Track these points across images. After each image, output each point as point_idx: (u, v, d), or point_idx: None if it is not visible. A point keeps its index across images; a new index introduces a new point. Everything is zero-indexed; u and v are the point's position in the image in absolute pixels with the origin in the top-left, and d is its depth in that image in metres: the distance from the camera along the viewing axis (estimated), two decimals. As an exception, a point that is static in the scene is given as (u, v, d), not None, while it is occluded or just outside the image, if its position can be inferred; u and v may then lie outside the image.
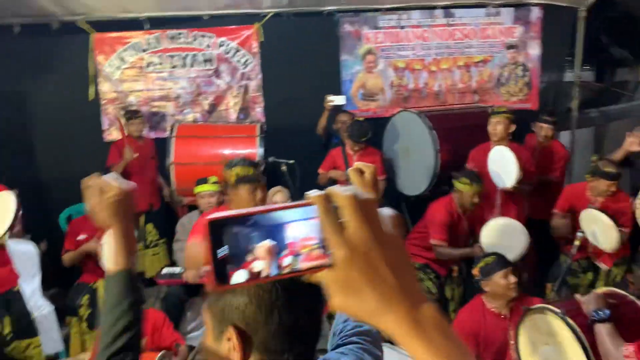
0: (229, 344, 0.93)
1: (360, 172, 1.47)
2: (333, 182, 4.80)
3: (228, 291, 0.93)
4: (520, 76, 5.84)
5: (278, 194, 4.24)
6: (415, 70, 5.72)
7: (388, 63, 5.69)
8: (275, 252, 0.56)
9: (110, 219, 1.18)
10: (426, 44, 5.68)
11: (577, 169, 5.70)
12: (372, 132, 4.72)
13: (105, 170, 4.84)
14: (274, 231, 0.56)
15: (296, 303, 0.93)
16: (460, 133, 4.93)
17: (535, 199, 4.67)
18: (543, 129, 4.81)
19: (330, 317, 2.61)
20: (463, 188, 3.92)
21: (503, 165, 4.11)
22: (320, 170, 4.83)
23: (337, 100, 5.01)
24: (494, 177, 4.18)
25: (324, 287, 0.55)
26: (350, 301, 0.54)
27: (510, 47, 5.78)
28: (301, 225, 0.56)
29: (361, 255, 0.53)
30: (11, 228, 3.40)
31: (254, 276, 0.56)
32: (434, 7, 5.60)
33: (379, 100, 5.74)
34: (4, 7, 4.73)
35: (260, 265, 0.55)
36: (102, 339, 1.17)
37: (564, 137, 5.88)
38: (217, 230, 0.55)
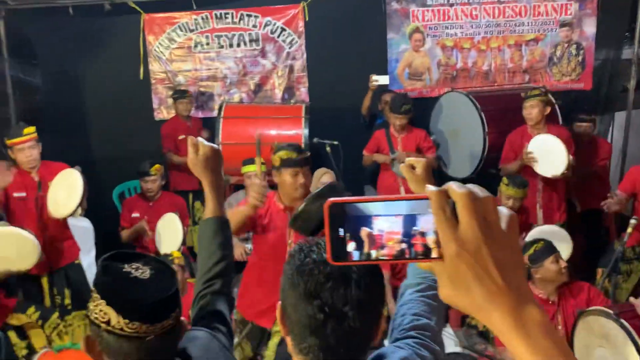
0: (277, 316, 1.01)
1: (412, 167, 1.46)
2: (377, 164, 4.78)
3: (287, 270, 0.99)
4: (573, 55, 5.62)
5: (325, 175, 4.27)
6: (464, 49, 5.59)
7: (436, 42, 5.57)
8: (384, 238, 0.58)
9: (202, 173, 1.46)
10: (475, 22, 5.53)
11: (633, 151, 5.49)
12: (413, 106, 4.59)
13: (162, 155, 5.02)
14: (386, 218, 0.58)
15: (329, 303, 0.93)
16: (510, 114, 4.81)
17: (583, 189, 4.58)
18: (582, 127, 4.67)
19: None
20: (505, 190, 3.83)
21: (549, 154, 3.97)
22: (364, 152, 4.81)
23: (381, 79, 4.94)
24: (538, 167, 4.05)
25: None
26: (458, 294, 0.56)
27: (564, 24, 5.56)
28: (414, 217, 0.58)
29: (470, 253, 0.54)
30: (80, 204, 3.58)
31: (364, 257, 0.59)
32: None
33: (425, 79, 5.65)
34: (59, -10, 4.87)
35: (370, 248, 0.59)
36: (199, 270, 1.46)
37: (619, 117, 5.65)
38: (335, 212, 0.59)
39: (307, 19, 5.42)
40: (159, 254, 3.84)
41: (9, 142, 3.55)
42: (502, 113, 4.78)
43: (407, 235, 0.58)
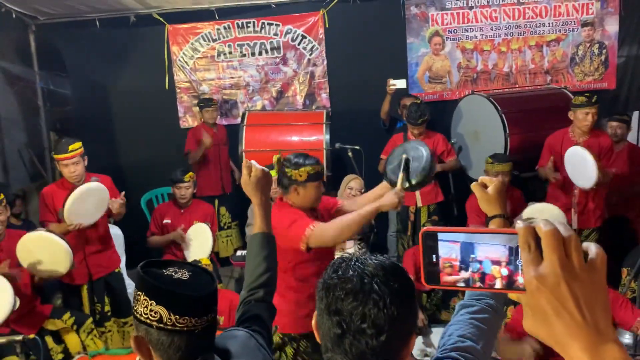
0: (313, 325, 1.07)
1: (484, 186, 1.46)
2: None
3: (318, 286, 1.04)
4: (596, 54, 5.58)
5: (353, 181, 4.32)
6: (484, 52, 5.59)
7: (455, 45, 5.59)
8: (473, 267, 0.64)
9: (253, 193, 1.63)
10: (495, 24, 5.53)
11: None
12: (429, 114, 4.60)
13: (184, 156, 5.14)
14: (474, 248, 0.64)
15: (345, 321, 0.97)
16: (532, 116, 4.82)
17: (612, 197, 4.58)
18: (612, 127, 4.62)
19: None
20: (492, 168, 4.07)
21: (581, 167, 3.93)
22: (382, 156, 4.86)
23: (399, 83, 4.97)
24: (571, 176, 4.04)
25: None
26: (539, 326, 0.59)
27: (585, 24, 5.52)
28: (500, 248, 0.63)
29: (549, 288, 0.57)
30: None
31: (453, 283, 0.65)
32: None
33: (446, 82, 5.67)
34: (87, 4, 5.03)
35: (459, 275, 0.65)
36: (246, 279, 1.61)
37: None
38: (429, 239, 0.67)
39: (327, 25, 5.49)
40: (186, 261, 3.94)
41: (56, 157, 3.69)
42: (524, 114, 4.79)
43: (496, 264, 0.63)
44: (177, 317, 1.20)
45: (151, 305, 1.21)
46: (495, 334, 1.34)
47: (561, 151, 4.12)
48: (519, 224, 0.60)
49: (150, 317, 1.21)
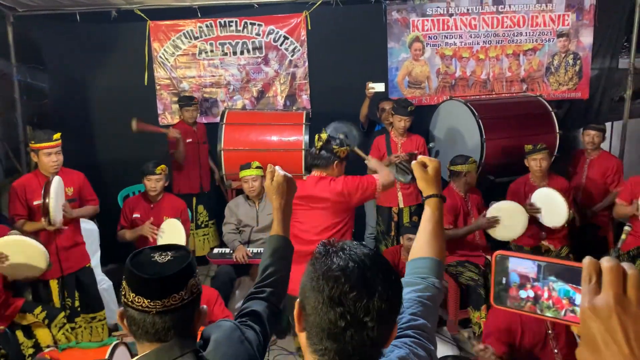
0: (295, 312, 1.04)
1: (424, 166, 1.53)
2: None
3: (312, 271, 1.01)
4: (570, 65, 5.73)
5: None
6: (463, 58, 5.69)
7: (435, 51, 5.68)
8: (539, 295, 0.70)
9: (274, 196, 1.71)
10: (474, 32, 5.64)
11: (630, 159, 5.58)
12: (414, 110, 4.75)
13: (171, 156, 5.11)
14: (544, 276, 0.70)
15: (347, 313, 0.96)
16: (508, 122, 4.92)
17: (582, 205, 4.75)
18: (590, 135, 4.77)
19: None
20: (461, 169, 4.25)
21: (551, 206, 4.14)
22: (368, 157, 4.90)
23: (377, 87, 5.03)
24: (539, 216, 4.20)
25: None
26: (588, 354, 0.63)
27: (561, 34, 5.67)
28: (565, 279, 0.69)
29: (602, 319, 0.61)
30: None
31: (520, 307, 0.71)
32: (484, -5, 5.55)
33: (424, 88, 5.75)
34: (68, -3, 4.98)
35: (526, 299, 0.71)
36: (257, 277, 1.65)
37: (617, 127, 5.75)
38: (501, 262, 0.73)
39: (309, 27, 5.53)
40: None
41: (36, 145, 3.61)
42: (500, 120, 4.89)
43: (561, 294, 0.68)
44: (133, 295, 1.28)
45: (124, 282, 1.31)
46: (437, 311, 1.38)
47: (524, 196, 4.31)
48: (586, 259, 0.64)
49: (123, 293, 1.32)
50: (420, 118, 5.34)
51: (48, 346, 3.32)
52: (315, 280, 0.99)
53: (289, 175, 1.75)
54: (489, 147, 4.72)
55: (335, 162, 3.14)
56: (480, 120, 4.75)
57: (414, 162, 1.56)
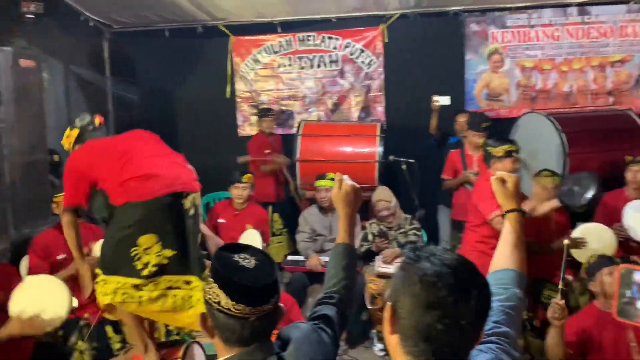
0: (385, 316, 1.08)
1: (503, 181, 1.54)
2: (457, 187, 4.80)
3: (404, 275, 1.05)
4: (663, 77, 5.42)
5: (381, 202, 4.36)
6: (544, 71, 5.52)
7: (515, 63, 5.55)
8: None
9: (340, 205, 1.73)
10: (557, 43, 5.46)
11: None
12: (492, 124, 4.63)
13: (240, 164, 5.30)
14: None
15: (444, 320, 0.99)
16: (593, 136, 4.71)
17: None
18: None
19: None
20: (544, 181, 3.96)
21: None
22: (443, 176, 4.85)
23: (443, 100, 4.98)
24: (630, 231, 3.94)
25: None
26: None
27: (654, 45, 5.37)
28: None
29: None
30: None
31: None
32: (568, 5, 5.37)
33: (503, 100, 5.63)
34: (159, 15, 5.32)
35: None
36: (325, 283, 1.67)
37: None
38: (625, 276, 0.76)
39: (386, 40, 5.58)
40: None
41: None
42: (585, 134, 4.68)
43: None
44: (234, 303, 1.27)
45: (214, 287, 1.30)
46: (520, 321, 1.38)
47: (618, 209, 4.01)
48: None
49: (212, 298, 1.30)
50: (499, 131, 5.21)
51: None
52: (409, 285, 1.02)
53: (357, 185, 1.77)
54: (573, 162, 4.53)
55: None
56: (563, 134, 4.57)
57: (493, 177, 1.58)
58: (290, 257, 4.59)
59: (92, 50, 5.72)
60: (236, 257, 1.35)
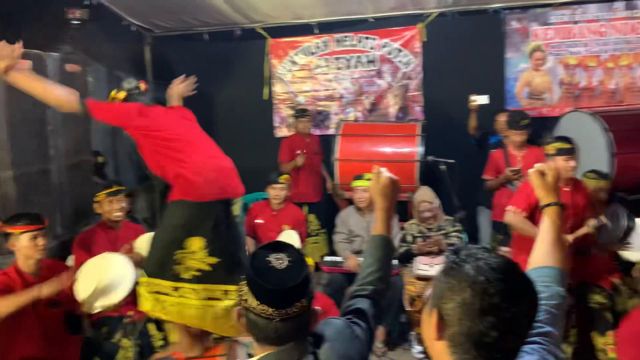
0: (431, 322, 1.05)
1: (542, 174, 1.50)
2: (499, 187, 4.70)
3: (451, 280, 1.03)
4: None
5: (424, 204, 4.30)
6: (589, 68, 5.36)
7: (558, 60, 5.41)
8: None
9: (378, 197, 1.73)
10: (603, 39, 5.30)
11: None
12: (531, 122, 4.51)
13: (277, 165, 5.35)
14: None
15: (495, 325, 0.97)
16: (640, 135, 4.55)
17: None
18: None
19: None
20: (589, 183, 3.81)
21: None
22: (485, 176, 4.75)
23: (480, 99, 4.89)
24: None
25: None
26: None
27: None
28: None
29: None
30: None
31: None
32: (614, 0, 5.20)
33: (545, 99, 5.49)
34: (198, 19, 5.41)
35: None
36: (359, 274, 1.66)
37: None
38: None
39: (424, 39, 5.52)
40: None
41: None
42: (633, 133, 4.52)
43: None
44: (257, 302, 1.28)
45: (244, 286, 1.32)
46: (563, 319, 1.34)
47: None
48: None
49: (242, 296, 1.33)
50: (541, 130, 5.09)
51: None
52: (458, 291, 1.00)
53: (395, 177, 1.75)
54: (620, 162, 4.38)
55: None
56: (610, 133, 4.42)
57: (531, 170, 1.54)
58: (328, 258, 4.59)
59: (134, 54, 5.85)
60: (270, 257, 1.34)
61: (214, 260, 2.63)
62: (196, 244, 2.61)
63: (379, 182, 1.73)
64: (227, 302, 2.66)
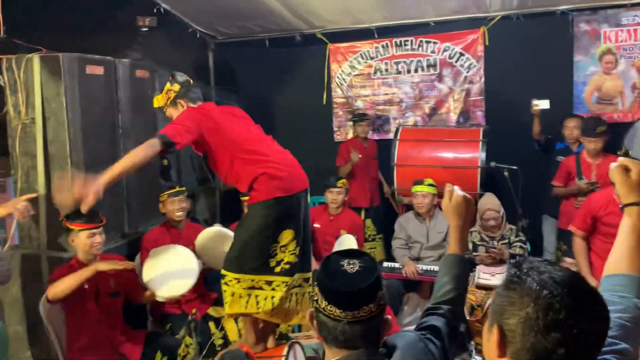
0: (492, 339, 1.02)
1: (625, 169, 1.40)
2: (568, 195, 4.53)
3: (513, 295, 0.99)
4: None
5: (489, 212, 4.19)
6: (664, 71, 5.08)
7: (630, 63, 5.15)
8: None
9: (451, 216, 1.68)
10: (679, 41, 5.01)
11: None
12: (608, 128, 4.32)
13: (336, 169, 5.36)
14: None
15: (560, 342, 0.93)
16: None
17: None
18: None
19: None
20: None
21: None
22: (554, 183, 4.59)
23: (542, 104, 4.72)
24: None
25: None
26: None
27: None
28: None
29: None
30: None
31: None
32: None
33: (617, 104, 5.23)
34: (260, 25, 5.52)
35: None
36: (433, 293, 1.64)
37: None
38: None
39: (487, 43, 5.40)
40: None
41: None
42: None
43: None
44: (326, 303, 1.32)
45: (316, 287, 1.36)
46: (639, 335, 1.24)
47: None
48: None
49: (313, 297, 1.37)
50: (612, 137, 4.86)
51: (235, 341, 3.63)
52: (521, 307, 0.97)
53: (468, 195, 1.72)
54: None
55: None
56: (688, 140, 4.18)
57: (614, 164, 1.42)
58: (385, 264, 4.55)
59: (198, 60, 6.03)
60: (343, 262, 1.38)
61: (298, 250, 2.73)
62: (288, 236, 2.72)
63: (453, 201, 1.69)
64: (309, 289, 2.76)
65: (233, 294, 2.74)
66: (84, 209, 2.34)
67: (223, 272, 2.79)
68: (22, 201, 3.03)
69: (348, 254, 1.41)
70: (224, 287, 2.79)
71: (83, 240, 3.08)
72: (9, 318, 3.49)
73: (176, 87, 2.98)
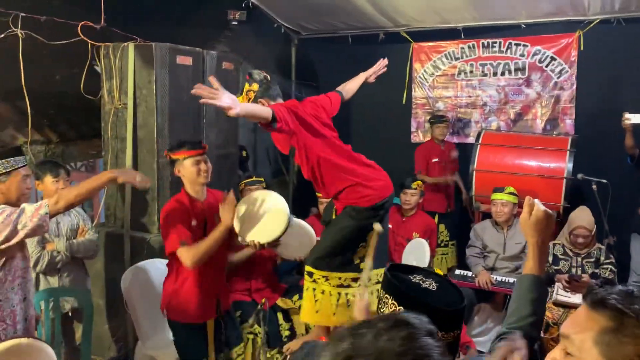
0: None
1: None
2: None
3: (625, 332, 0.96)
4: None
5: (580, 229, 3.93)
6: None
7: None
8: None
9: (530, 232, 1.56)
10: None
11: None
12: None
13: (412, 170, 5.28)
14: None
15: None
16: None
17: None
18: None
19: None
20: None
21: None
22: None
23: (634, 118, 4.38)
24: None
25: None
26: None
27: None
28: None
29: None
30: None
31: None
32: None
33: None
34: (344, 22, 5.52)
35: None
36: (507, 316, 1.54)
37: None
38: None
39: (581, 48, 5.11)
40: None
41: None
42: None
43: None
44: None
45: (399, 310, 1.27)
46: None
47: None
48: None
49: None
50: None
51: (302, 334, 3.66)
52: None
53: (550, 211, 1.58)
54: None
55: None
56: None
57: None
58: (457, 271, 4.42)
59: (281, 55, 6.13)
60: (414, 279, 1.34)
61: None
62: (373, 236, 2.77)
63: (533, 216, 1.57)
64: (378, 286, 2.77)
65: (323, 292, 2.77)
66: None
67: (309, 269, 2.81)
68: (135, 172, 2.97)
69: (404, 269, 1.36)
70: (311, 285, 2.80)
71: (189, 168, 2.95)
72: (92, 291, 3.70)
73: (255, 86, 2.98)
